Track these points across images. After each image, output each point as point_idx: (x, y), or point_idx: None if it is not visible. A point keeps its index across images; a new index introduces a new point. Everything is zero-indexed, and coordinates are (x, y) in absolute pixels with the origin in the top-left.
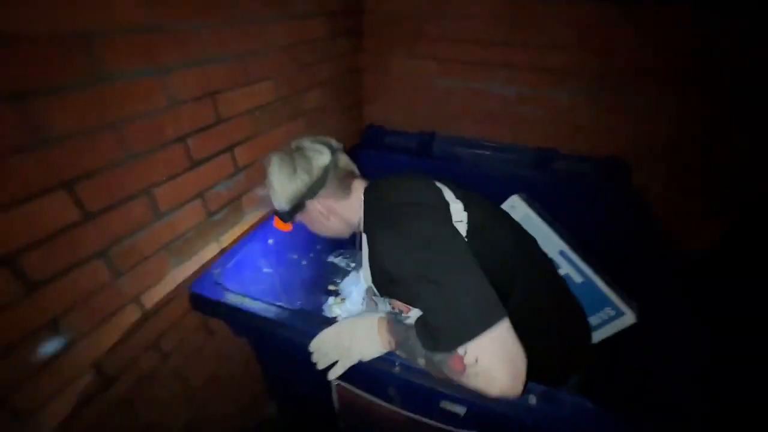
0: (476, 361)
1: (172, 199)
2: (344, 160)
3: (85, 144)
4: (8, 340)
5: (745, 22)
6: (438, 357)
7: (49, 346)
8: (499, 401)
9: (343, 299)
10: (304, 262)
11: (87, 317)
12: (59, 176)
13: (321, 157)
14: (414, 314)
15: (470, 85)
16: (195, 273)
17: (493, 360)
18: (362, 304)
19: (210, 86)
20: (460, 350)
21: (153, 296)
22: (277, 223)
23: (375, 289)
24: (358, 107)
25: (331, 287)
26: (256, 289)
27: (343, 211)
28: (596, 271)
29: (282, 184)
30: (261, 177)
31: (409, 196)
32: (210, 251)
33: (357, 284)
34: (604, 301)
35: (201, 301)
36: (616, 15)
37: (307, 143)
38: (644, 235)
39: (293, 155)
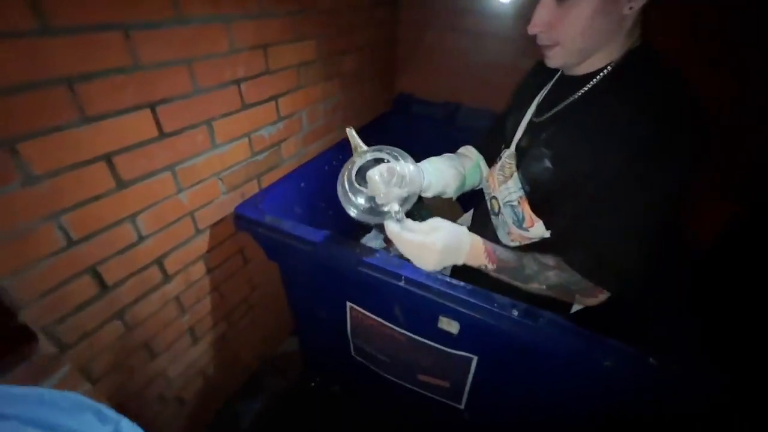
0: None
1: (226, 134)
2: None
3: (167, 74)
4: (105, 222)
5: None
6: (584, 284)
7: (131, 235)
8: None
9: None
10: (330, 212)
11: (157, 219)
12: (147, 98)
13: None
14: (535, 232)
15: (498, 59)
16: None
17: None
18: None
19: (263, 39)
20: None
21: (204, 216)
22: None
23: (531, 162)
24: (391, 75)
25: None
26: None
27: (612, 24)
28: None
29: None
30: (300, 129)
31: (698, 118)
32: (251, 188)
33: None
34: None
35: (244, 220)
36: None
37: None
38: None
39: None
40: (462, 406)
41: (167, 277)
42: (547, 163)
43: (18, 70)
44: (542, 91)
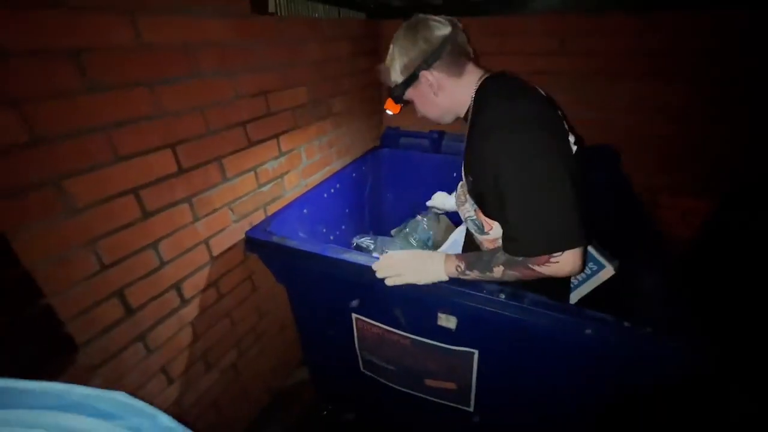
0: (557, 261)
1: (235, 168)
2: (463, 38)
3: (185, 119)
4: (132, 248)
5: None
6: (526, 259)
7: (154, 260)
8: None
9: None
10: (331, 237)
11: (176, 246)
12: (168, 139)
13: (442, 28)
14: (495, 233)
15: None
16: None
17: (574, 256)
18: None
19: (263, 87)
20: (552, 256)
21: (217, 243)
22: (388, 104)
23: (469, 186)
24: (378, 114)
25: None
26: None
27: (453, 89)
28: None
29: (403, 49)
30: (299, 162)
31: (536, 108)
32: (258, 216)
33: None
34: (588, 258)
35: (255, 243)
36: (592, 24)
37: (431, 16)
38: (631, 218)
39: (416, 25)
40: (471, 408)
41: (184, 302)
42: (472, 185)
43: (67, 120)
44: None
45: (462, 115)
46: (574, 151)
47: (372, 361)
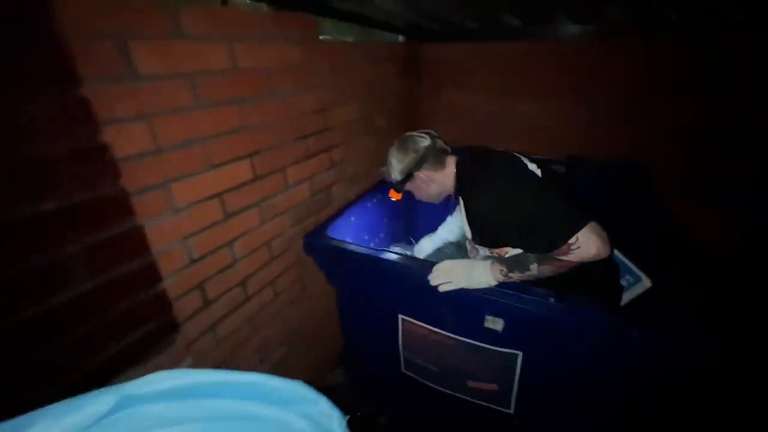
0: (577, 239)
1: (295, 177)
2: (440, 143)
3: (263, 132)
4: (214, 246)
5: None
6: (551, 253)
7: (229, 257)
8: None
9: None
10: (371, 244)
11: (246, 246)
12: (247, 150)
13: (424, 140)
14: (510, 252)
15: (505, 107)
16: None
17: (588, 236)
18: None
19: (323, 104)
20: (571, 240)
21: (277, 245)
22: (391, 193)
23: (477, 239)
24: (418, 128)
25: None
26: None
27: (440, 179)
28: None
29: (399, 159)
30: (345, 174)
31: (497, 162)
32: (309, 223)
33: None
34: (624, 269)
35: (311, 246)
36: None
37: (414, 133)
38: (665, 231)
39: (406, 140)
40: (511, 410)
41: (247, 298)
42: (480, 238)
43: (180, 132)
44: None
45: (452, 192)
46: (540, 174)
47: (414, 361)
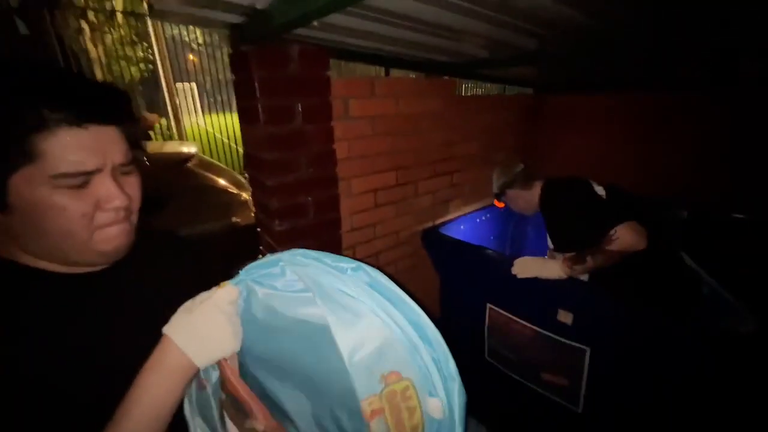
0: (616, 231)
1: (423, 189)
2: (527, 170)
3: (404, 155)
4: (365, 223)
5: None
6: (600, 246)
7: (372, 234)
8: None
9: None
10: None
11: (383, 228)
12: (394, 166)
13: (516, 167)
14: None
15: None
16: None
17: (625, 229)
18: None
19: (450, 140)
20: (611, 232)
21: (402, 235)
22: (495, 202)
23: (556, 247)
24: (537, 163)
25: None
26: None
27: (527, 196)
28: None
29: (497, 178)
30: (463, 193)
31: (573, 183)
32: (429, 225)
33: None
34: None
35: (427, 237)
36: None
37: (511, 162)
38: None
39: (504, 166)
40: (579, 409)
41: (378, 267)
42: (558, 246)
43: (361, 150)
44: None
45: (539, 209)
46: (604, 195)
47: (497, 349)
